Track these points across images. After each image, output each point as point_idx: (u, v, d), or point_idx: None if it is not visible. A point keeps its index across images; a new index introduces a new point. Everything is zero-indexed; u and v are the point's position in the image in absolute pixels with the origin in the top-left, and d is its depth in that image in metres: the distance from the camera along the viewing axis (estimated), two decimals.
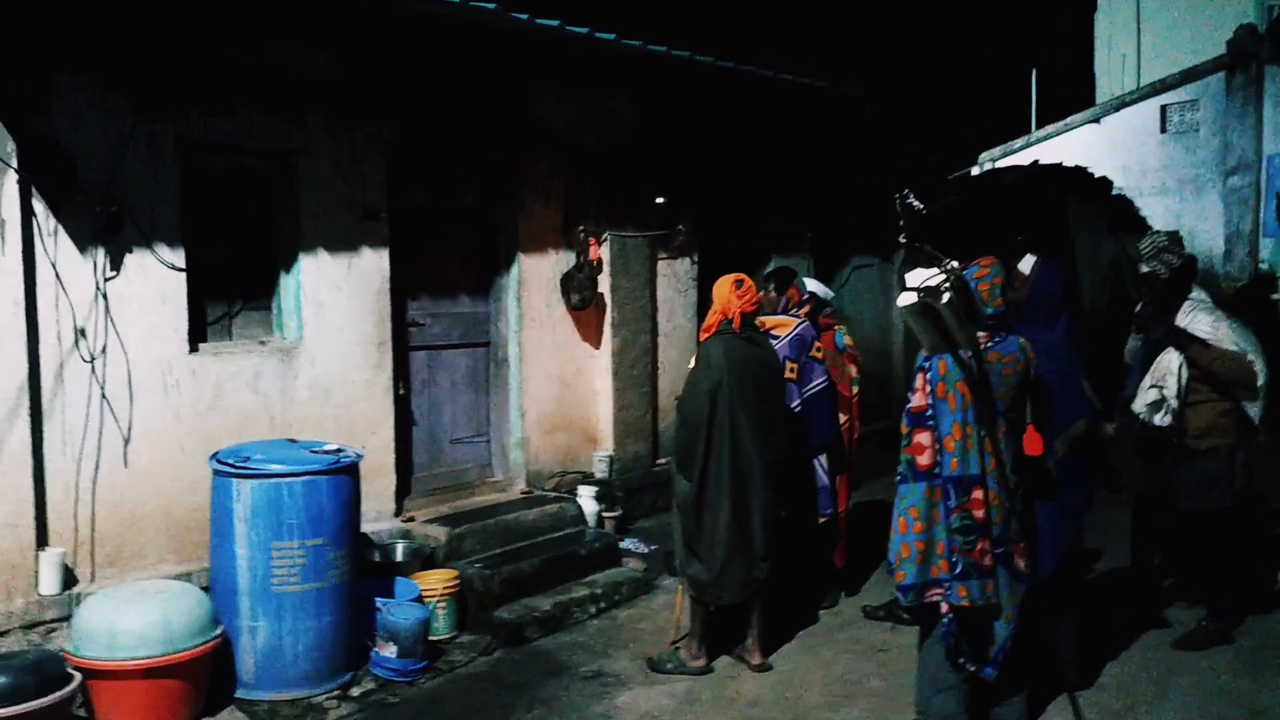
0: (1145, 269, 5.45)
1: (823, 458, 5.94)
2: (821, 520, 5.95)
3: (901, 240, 3.83)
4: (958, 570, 4.01)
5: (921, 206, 3.72)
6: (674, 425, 5.53)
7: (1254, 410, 5.23)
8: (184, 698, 4.64)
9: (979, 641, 4.15)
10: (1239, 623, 5.56)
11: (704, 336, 5.37)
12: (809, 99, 9.17)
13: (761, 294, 6.05)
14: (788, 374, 5.72)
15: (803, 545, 5.94)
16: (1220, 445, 5.28)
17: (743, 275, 5.35)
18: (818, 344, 5.90)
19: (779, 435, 5.32)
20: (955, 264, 3.71)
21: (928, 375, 4.04)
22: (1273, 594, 5.81)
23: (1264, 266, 13.12)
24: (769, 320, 5.92)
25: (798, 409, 5.76)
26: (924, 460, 4.03)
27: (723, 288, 5.29)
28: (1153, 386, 5.30)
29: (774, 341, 5.75)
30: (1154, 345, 5.38)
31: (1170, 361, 5.27)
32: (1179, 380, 5.24)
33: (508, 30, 6.43)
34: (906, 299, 3.77)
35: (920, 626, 4.37)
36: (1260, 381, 5.15)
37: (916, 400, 4.08)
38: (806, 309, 6.06)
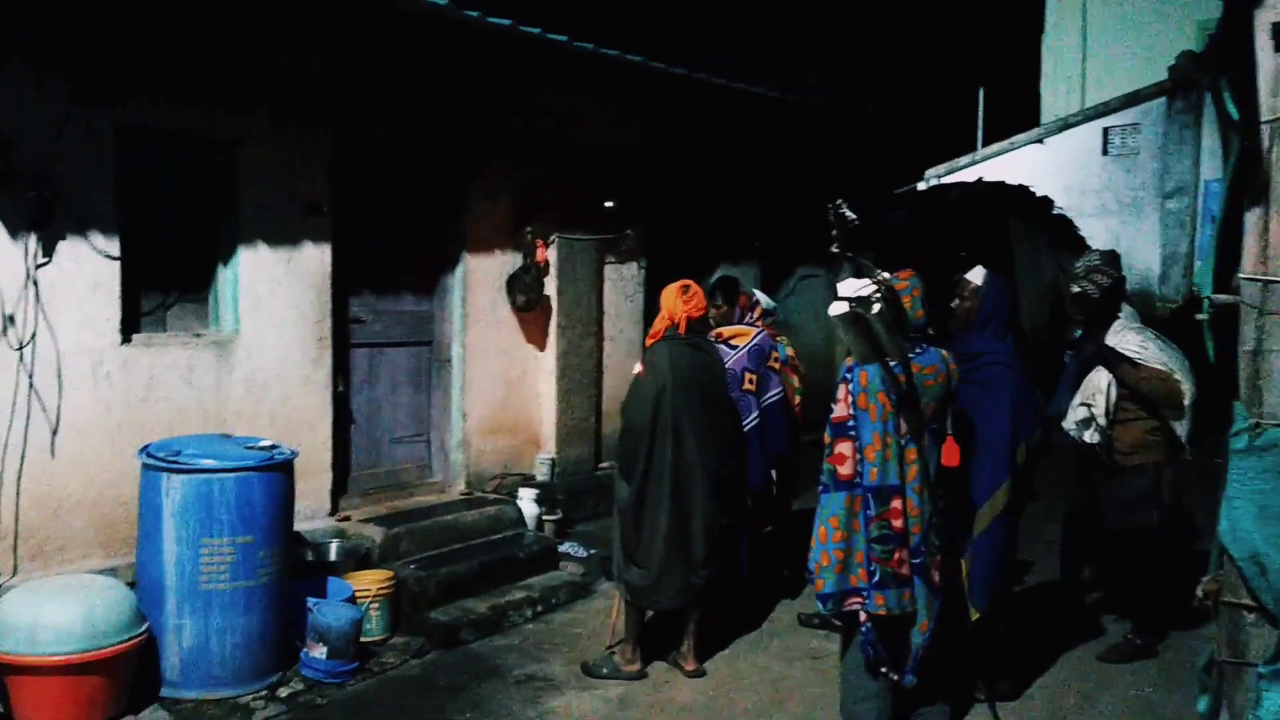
0: (1076, 288, 5.54)
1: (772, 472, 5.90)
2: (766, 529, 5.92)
3: (834, 250, 3.87)
4: (875, 579, 4.07)
5: (854, 217, 3.76)
6: (618, 429, 5.51)
7: (1181, 429, 5.32)
8: (106, 695, 4.53)
9: (897, 649, 4.21)
10: (1163, 637, 5.66)
11: (650, 342, 5.36)
12: (759, 108, 9.21)
13: (712, 312, 6.02)
14: (746, 385, 5.69)
15: (762, 552, 5.94)
16: (1148, 463, 5.37)
17: (689, 281, 5.35)
18: (775, 354, 5.87)
19: (725, 443, 5.30)
20: (887, 275, 3.75)
21: (850, 386, 4.10)
22: (1195, 610, 5.91)
23: (1195, 288, 13.45)
24: (727, 330, 5.90)
25: (756, 421, 5.71)
26: (845, 470, 4.09)
27: (669, 293, 5.29)
28: (1082, 404, 5.40)
29: (733, 352, 5.73)
30: (1084, 363, 5.47)
31: (1099, 380, 5.37)
32: (1108, 398, 5.34)
33: (459, 27, 6.38)
34: (838, 308, 3.80)
35: (843, 635, 4.41)
36: (1187, 401, 5.24)
37: (839, 410, 4.14)
38: (759, 312, 6.02)
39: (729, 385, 5.53)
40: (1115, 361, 5.31)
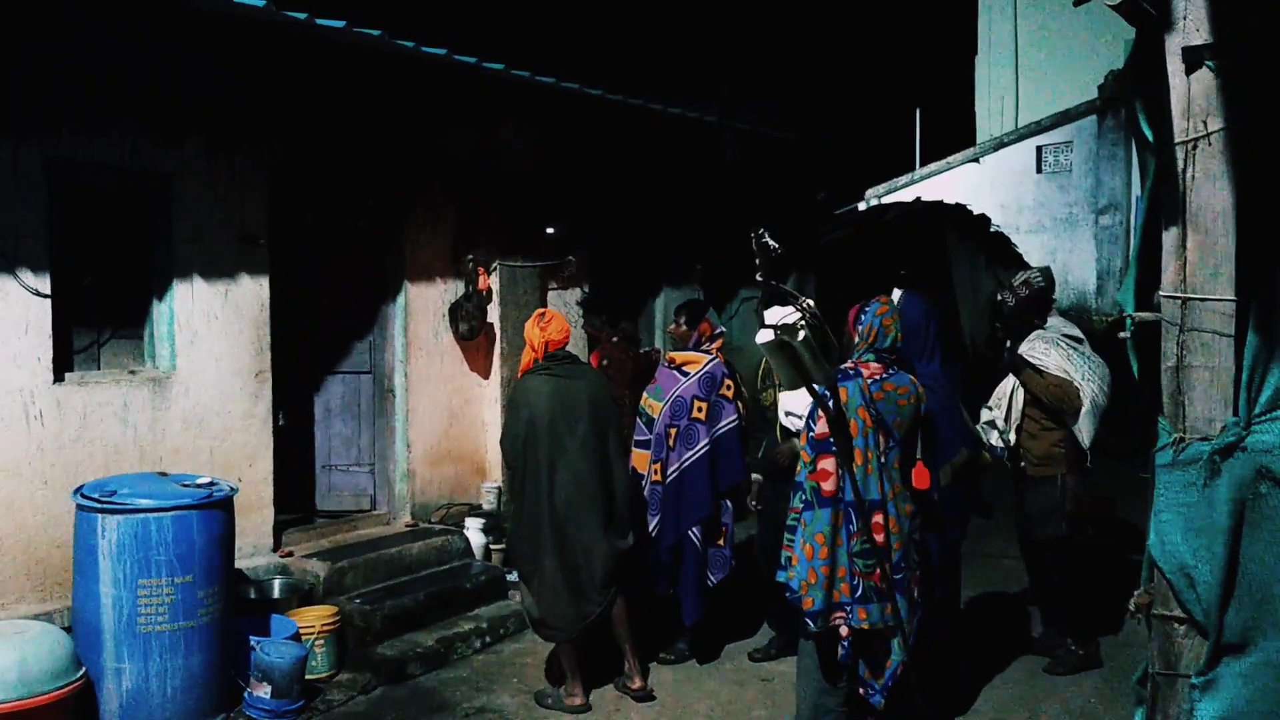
0: (998, 298, 5.71)
1: (726, 501, 5.78)
2: (714, 583, 5.77)
3: (758, 279, 3.89)
4: (858, 594, 4.09)
5: (777, 245, 3.80)
6: None
7: (1085, 438, 5.40)
8: None
9: (876, 664, 4.22)
10: (1094, 643, 5.71)
11: (520, 375, 5.35)
12: (699, 132, 9.29)
13: (671, 326, 6.00)
14: (695, 413, 5.62)
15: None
16: (1056, 474, 5.48)
17: (545, 309, 5.37)
18: (728, 381, 5.77)
19: (610, 467, 5.21)
20: (810, 302, 3.79)
21: (830, 403, 4.12)
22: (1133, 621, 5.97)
23: (1118, 307, 13.69)
24: (678, 356, 5.83)
25: (705, 449, 5.62)
26: (829, 486, 4.10)
27: (529, 325, 5.28)
28: (985, 408, 5.53)
29: (684, 378, 5.70)
30: (1000, 372, 5.61)
31: (1005, 386, 5.53)
32: (1009, 403, 5.49)
33: (394, 56, 6.38)
34: (764, 336, 3.83)
35: (803, 652, 4.41)
36: (1084, 406, 5.33)
37: (820, 427, 4.14)
38: (719, 344, 5.89)
39: (609, 407, 5.38)
40: (1020, 368, 5.48)
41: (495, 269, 7.56)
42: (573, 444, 5.10)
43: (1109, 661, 5.67)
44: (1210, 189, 2.69)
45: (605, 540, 5.13)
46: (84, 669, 4.62)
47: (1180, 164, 2.72)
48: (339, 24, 5.76)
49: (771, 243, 3.61)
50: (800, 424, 4.93)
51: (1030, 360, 5.45)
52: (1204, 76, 2.69)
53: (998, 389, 5.61)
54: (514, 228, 7.68)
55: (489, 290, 7.47)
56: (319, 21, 5.66)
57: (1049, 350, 5.46)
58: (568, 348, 5.32)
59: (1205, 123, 2.69)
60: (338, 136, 6.57)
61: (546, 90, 7.36)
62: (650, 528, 5.66)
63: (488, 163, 7.55)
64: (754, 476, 5.88)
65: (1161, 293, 2.78)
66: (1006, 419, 5.54)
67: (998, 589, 6.45)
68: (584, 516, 5.10)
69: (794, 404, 4.98)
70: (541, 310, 5.34)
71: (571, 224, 8.05)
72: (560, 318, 5.28)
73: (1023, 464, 5.57)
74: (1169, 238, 2.78)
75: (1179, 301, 2.73)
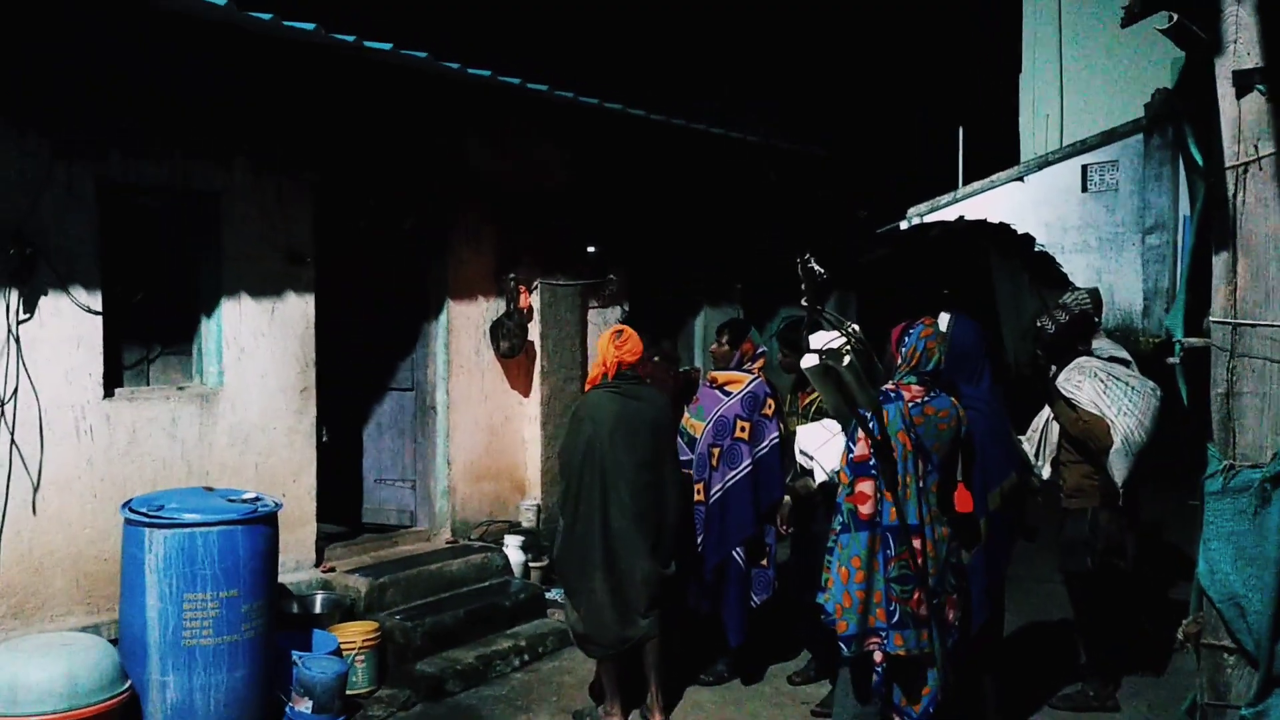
0: (1039, 324, 5.60)
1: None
2: (757, 604, 5.75)
3: (803, 304, 3.90)
4: (895, 619, 4.05)
5: (822, 271, 3.80)
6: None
7: (1118, 474, 5.22)
8: None
9: (911, 692, 4.18)
10: (1117, 685, 5.54)
11: (587, 388, 5.32)
12: (739, 151, 9.30)
13: (714, 346, 5.97)
14: (738, 433, 5.60)
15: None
16: (1087, 507, 5.33)
17: (623, 327, 5.33)
18: (770, 400, 5.74)
19: (665, 491, 5.17)
20: (856, 327, 3.78)
21: (870, 425, 4.10)
22: (1176, 651, 5.82)
23: (1167, 332, 13.52)
24: (720, 375, 5.82)
25: (748, 469, 5.60)
26: (866, 509, 4.08)
27: (603, 339, 5.24)
28: (1017, 437, 5.43)
29: (726, 398, 5.69)
30: (1039, 400, 5.51)
31: (1040, 419, 5.43)
32: (1043, 435, 5.38)
33: (439, 78, 6.45)
34: (809, 361, 3.83)
35: (841, 676, 4.38)
36: (1115, 445, 5.15)
37: (859, 450, 4.12)
38: (761, 363, 5.86)
39: (670, 433, 5.38)
40: (1053, 399, 5.34)
41: (536, 287, 7.60)
42: (631, 464, 5.06)
43: (1152, 697, 5.54)
44: (1261, 214, 2.66)
45: (650, 563, 5.08)
46: (129, 681, 4.68)
47: (1231, 188, 2.70)
48: (386, 46, 5.83)
49: (818, 268, 3.61)
50: (809, 463, 4.91)
51: (1064, 392, 5.32)
52: (1255, 100, 2.67)
53: (1035, 419, 5.47)
54: (555, 246, 7.72)
55: (530, 308, 7.52)
56: (367, 44, 5.74)
57: (1083, 383, 5.29)
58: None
59: (1256, 147, 2.66)
60: (380, 155, 6.65)
61: (589, 111, 7.40)
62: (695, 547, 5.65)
63: (528, 181, 7.60)
64: (784, 499, 5.85)
65: (1211, 318, 2.75)
66: (1038, 454, 5.41)
67: (1044, 615, 6.36)
68: (633, 537, 5.06)
69: (808, 442, 4.97)
70: (619, 327, 5.28)
71: (611, 242, 8.08)
72: (635, 337, 5.23)
73: (1060, 493, 5.45)
74: (1219, 263, 2.75)
75: (1229, 327, 2.70)
